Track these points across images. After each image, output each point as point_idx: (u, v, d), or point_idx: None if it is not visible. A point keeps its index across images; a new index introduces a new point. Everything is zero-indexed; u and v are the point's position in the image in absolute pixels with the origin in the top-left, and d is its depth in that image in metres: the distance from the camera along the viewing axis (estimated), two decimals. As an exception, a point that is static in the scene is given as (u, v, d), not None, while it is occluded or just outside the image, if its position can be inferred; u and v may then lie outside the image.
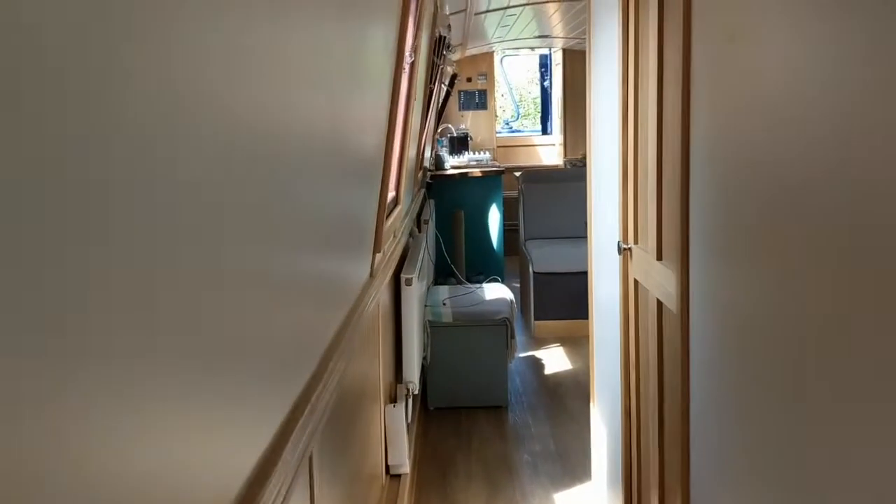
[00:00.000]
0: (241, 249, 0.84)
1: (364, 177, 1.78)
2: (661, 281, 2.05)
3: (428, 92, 3.71)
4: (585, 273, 5.57)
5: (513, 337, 4.14)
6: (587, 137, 3.34)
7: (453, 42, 6.48)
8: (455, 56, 7.56)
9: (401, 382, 3.43)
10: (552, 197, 5.96)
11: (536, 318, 5.48)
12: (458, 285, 4.79)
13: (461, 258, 7.15)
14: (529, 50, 15.00)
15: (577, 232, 5.91)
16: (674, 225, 1.91)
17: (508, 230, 7.88)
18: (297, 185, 1.09)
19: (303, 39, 1.03)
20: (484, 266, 7.39)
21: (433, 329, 4.10)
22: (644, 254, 2.28)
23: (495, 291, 4.60)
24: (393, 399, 3.23)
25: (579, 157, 6.29)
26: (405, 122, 2.59)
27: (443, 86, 6.82)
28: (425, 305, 4.24)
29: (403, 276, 3.46)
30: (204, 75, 0.68)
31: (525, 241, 5.92)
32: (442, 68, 4.71)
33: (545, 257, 5.46)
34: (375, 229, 1.99)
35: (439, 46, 3.90)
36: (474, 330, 4.14)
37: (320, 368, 1.41)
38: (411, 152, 3.31)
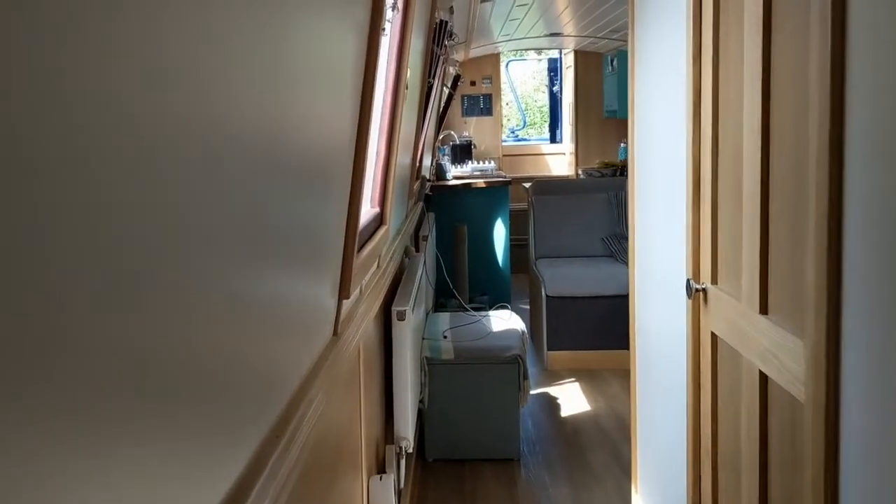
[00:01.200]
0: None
1: (318, 195, 1.16)
2: (767, 346, 1.41)
3: (426, 88, 3.10)
4: (605, 297, 4.94)
5: (525, 378, 3.49)
6: (630, 142, 2.72)
7: (456, 40, 5.87)
8: (458, 57, 6.94)
9: (391, 442, 2.78)
10: (566, 210, 5.33)
11: (550, 348, 4.84)
12: (461, 312, 4.15)
13: (464, 277, 6.51)
14: (536, 53, 14.44)
15: (595, 250, 5.27)
16: (794, 268, 1.27)
17: (515, 246, 7.24)
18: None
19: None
20: (488, 286, 6.74)
21: (431, 367, 3.46)
22: (730, 301, 1.64)
23: (504, 320, 3.95)
24: (380, 466, 2.58)
25: (596, 166, 5.65)
26: (391, 122, 1.97)
27: (444, 87, 6.21)
28: (422, 338, 3.60)
29: (395, 309, 2.82)
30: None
31: (536, 259, 5.28)
32: (444, 61, 4.09)
33: (559, 278, 4.82)
34: (342, 268, 1.36)
35: (439, 33, 3.30)
36: (480, 369, 3.49)
37: (274, 433, 0.95)
38: (402, 159, 2.69)
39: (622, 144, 7.71)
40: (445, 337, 3.64)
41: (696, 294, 1.84)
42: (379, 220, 2.00)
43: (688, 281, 1.88)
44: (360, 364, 2.06)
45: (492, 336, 3.68)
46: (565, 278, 4.82)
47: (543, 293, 4.81)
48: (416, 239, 4.70)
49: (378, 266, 2.07)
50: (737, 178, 1.61)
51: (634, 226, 2.72)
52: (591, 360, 4.81)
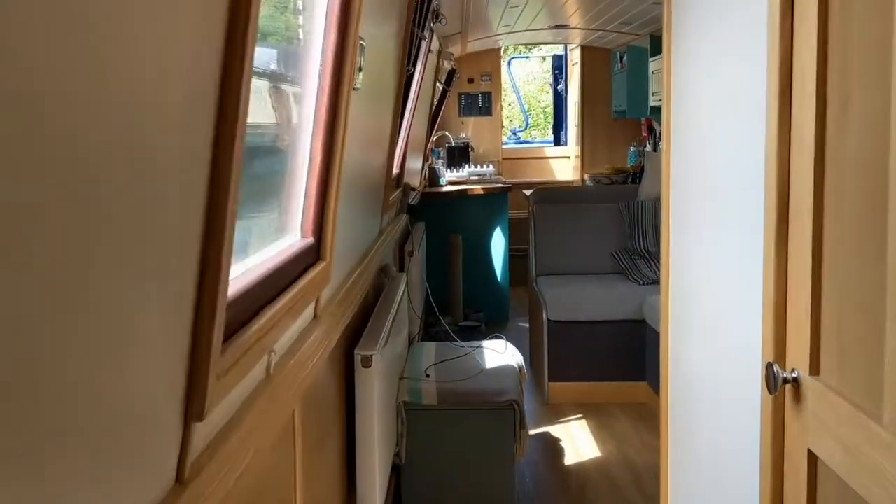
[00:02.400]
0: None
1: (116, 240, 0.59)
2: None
3: (404, 76, 2.53)
4: (615, 322, 4.35)
5: (523, 426, 2.91)
6: (665, 146, 2.16)
7: (450, 31, 5.30)
8: (454, 51, 6.37)
9: (348, 525, 2.21)
10: (571, 222, 4.76)
11: (551, 379, 4.26)
12: (448, 343, 3.57)
13: (457, 293, 5.94)
14: (538, 49, 13.85)
15: (603, 266, 4.69)
16: None
17: (515, 256, 6.68)
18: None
19: None
20: (485, 302, 6.18)
21: (410, 414, 2.88)
22: (851, 410, 1.03)
23: (498, 354, 3.38)
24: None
25: (605, 171, 5.08)
26: (331, 116, 1.39)
27: (438, 83, 5.64)
28: (400, 378, 3.02)
29: (359, 354, 2.25)
30: None
31: (536, 276, 4.71)
32: (429, 46, 3.52)
33: (562, 300, 4.25)
34: (190, 371, 0.78)
35: (422, 13, 2.74)
36: (468, 416, 2.91)
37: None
38: (369, 162, 2.13)
39: (632, 147, 7.14)
40: (428, 376, 3.06)
41: (783, 387, 1.23)
42: (314, 255, 1.43)
43: (769, 366, 1.26)
44: (297, 421, 1.49)
45: (484, 375, 3.10)
46: (570, 299, 4.25)
47: (544, 316, 4.24)
48: (401, 255, 4.14)
49: (315, 315, 1.49)
50: (871, 202, 1.03)
51: (669, 245, 2.17)
52: (598, 392, 4.24)
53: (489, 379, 3.06)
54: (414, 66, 2.57)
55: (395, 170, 3.20)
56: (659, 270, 4.64)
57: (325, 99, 1.38)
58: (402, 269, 3.96)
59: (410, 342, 3.92)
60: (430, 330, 5.73)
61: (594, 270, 4.70)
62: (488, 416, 2.90)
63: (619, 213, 4.72)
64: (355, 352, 2.24)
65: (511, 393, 2.93)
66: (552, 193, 4.97)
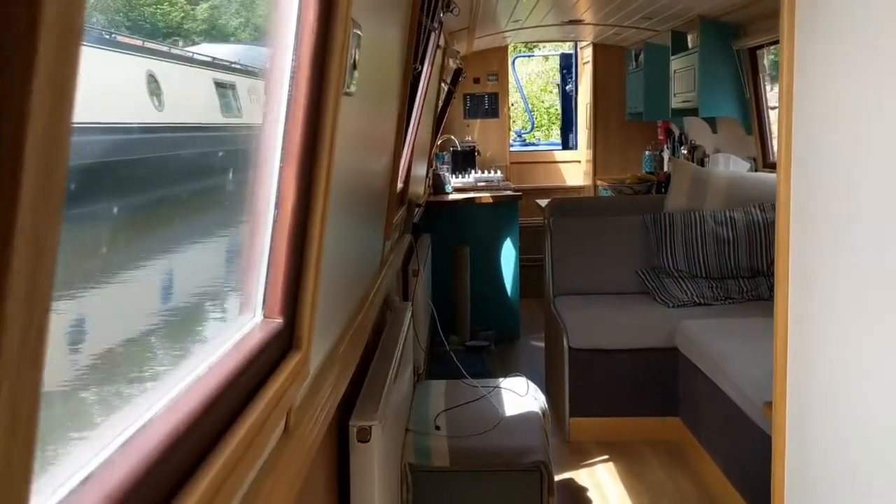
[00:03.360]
0: None
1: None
2: None
3: (409, 76, 2.08)
4: (644, 351, 3.87)
5: (551, 493, 2.46)
6: (783, 160, 1.69)
7: (457, 26, 4.84)
8: (460, 48, 5.92)
9: None
10: (592, 236, 4.31)
11: (573, 414, 3.81)
12: (460, 381, 3.12)
13: (465, 309, 5.49)
14: (544, 49, 13.40)
15: (628, 285, 4.24)
16: None
17: (526, 267, 6.23)
18: None
19: None
20: (494, 319, 5.73)
21: (417, 477, 2.43)
22: None
23: (518, 398, 2.92)
24: None
25: (628, 180, 4.63)
26: (313, 119, 0.94)
27: (443, 83, 5.19)
28: (405, 430, 2.57)
29: (356, 425, 1.80)
30: None
31: (554, 297, 4.26)
32: (437, 40, 3.06)
33: (586, 325, 3.79)
34: None
35: (431, 1, 2.29)
36: (487, 480, 2.46)
37: None
38: (373, 180, 1.69)
39: (647, 152, 6.69)
40: (438, 428, 2.61)
41: None
42: (286, 342, 0.99)
43: None
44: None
45: (504, 426, 2.64)
46: (593, 325, 3.80)
47: (565, 343, 3.78)
48: (405, 277, 3.69)
49: (286, 429, 1.04)
50: None
51: (787, 260, 1.71)
52: (625, 429, 3.79)
53: (510, 432, 2.60)
54: (422, 63, 2.12)
55: (400, 185, 2.76)
56: (690, 291, 4.20)
57: (299, 112, 0.94)
58: (406, 297, 3.51)
59: (417, 378, 3.47)
60: (435, 350, 5.28)
61: (618, 290, 4.25)
62: (511, 481, 2.45)
63: (645, 227, 4.26)
64: (350, 423, 1.79)
65: (537, 452, 2.48)
66: (569, 205, 4.52)
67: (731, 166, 4.68)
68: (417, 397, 2.94)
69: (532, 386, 3.02)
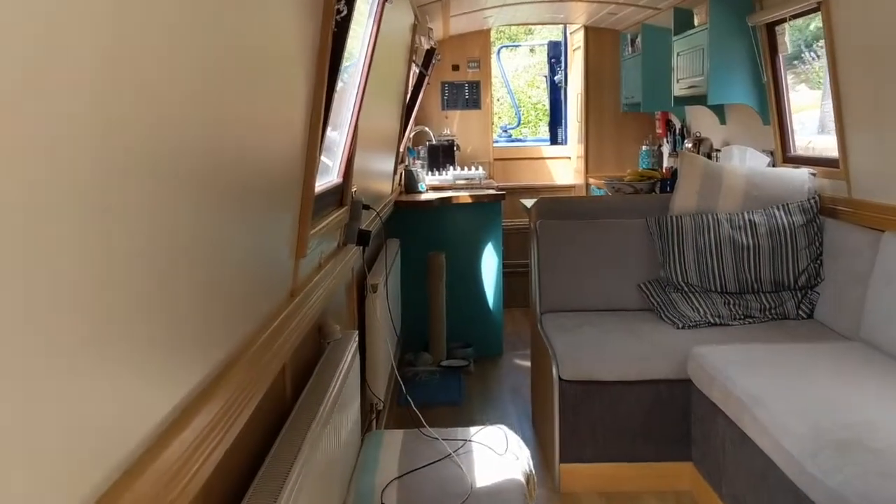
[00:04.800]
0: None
1: None
2: None
3: (330, 23, 1.42)
4: (650, 383, 3.15)
5: None
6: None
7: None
8: (435, 27, 5.25)
9: None
10: (586, 242, 3.66)
11: (564, 459, 3.15)
12: (420, 430, 2.44)
13: (440, 323, 4.83)
14: (529, 38, 12.72)
15: (628, 301, 3.59)
16: None
17: (509, 274, 5.58)
18: None
19: None
20: (474, 333, 5.07)
21: (352, 581, 1.76)
22: None
23: (495, 457, 2.26)
24: None
25: (628, 177, 3.97)
26: None
27: (413, 64, 4.52)
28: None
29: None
30: None
31: (542, 315, 3.60)
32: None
33: (578, 352, 3.14)
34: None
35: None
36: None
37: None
38: (271, 167, 1.06)
39: (644, 147, 6.05)
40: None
41: None
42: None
43: None
44: None
45: (475, 501, 1.98)
46: (588, 351, 3.14)
47: (554, 374, 3.13)
48: (360, 296, 3.03)
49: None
50: None
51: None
52: (626, 477, 3.14)
53: (482, 512, 1.94)
54: (349, 5, 1.47)
55: (336, 180, 2.09)
56: (703, 308, 3.52)
57: None
58: (361, 317, 2.84)
59: (371, 422, 2.81)
60: (404, 372, 4.62)
61: (616, 306, 3.60)
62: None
63: (648, 233, 3.62)
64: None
65: (517, 544, 1.82)
66: (559, 205, 3.86)
67: (748, 160, 4.04)
68: (364, 456, 2.27)
69: (513, 438, 2.35)
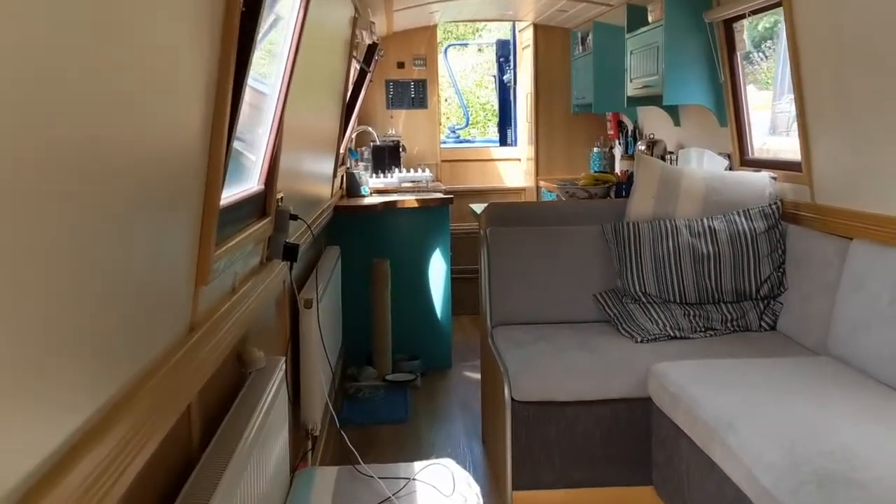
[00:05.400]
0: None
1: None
2: None
3: (236, 14, 1.17)
4: (608, 402, 2.86)
5: None
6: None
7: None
8: (378, 21, 4.98)
9: None
10: (539, 250, 3.44)
11: (517, 486, 2.92)
12: (356, 468, 2.18)
13: (384, 334, 4.56)
14: (478, 36, 12.53)
15: (584, 313, 3.38)
16: None
17: (458, 280, 5.35)
18: None
19: None
20: (421, 344, 4.82)
21: None
22: None
23: (440, 498, 2.00)
24: None
25: (582, 181, 3.74)
26: None
27: (354, 60, 4.25)
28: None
29: None
30: None
31: (493, 328, 3.37)
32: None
33: (532, 370, 2.91)
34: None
35: None
36: None
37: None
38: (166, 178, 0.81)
39: (595, 149, 5.88)
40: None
41: None
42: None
43: None
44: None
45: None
46: (542, 369, 2.91)
47: (506, 394, 2.89)
48: (293, 311, 2.75)
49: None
50: None
51: None
52: (584, 503, 2.91)
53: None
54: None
55: (257, 187, 1.81)
56: (662, 320, 3.32)
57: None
58: (295, 336, 2.55)
59: (301, 458, 2.53)
60: (346, 388, 4.35)
61: (571, 318, 3.38)
62: None
63: (604, 240, 3.41)
64: None
65: None
66: (511, 211, 3.63)
67: (706, 164, 3.88)
68: (293, 499, 1.99)
69: (460, 476, 2.10)
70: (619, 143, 5.71)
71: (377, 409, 4.10)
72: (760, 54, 4.49)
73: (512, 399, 2.87)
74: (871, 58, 2.65)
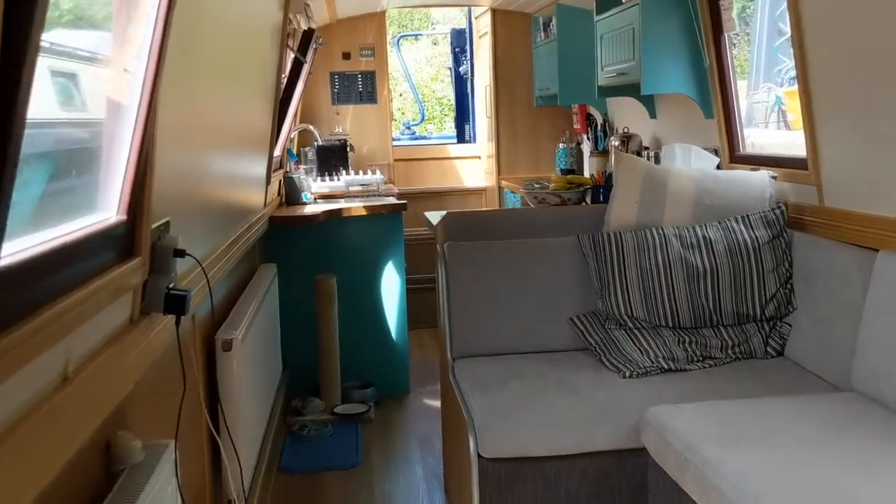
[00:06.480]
0: None
1: None
2: None
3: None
4: (593, 455, 2.04)
5: None
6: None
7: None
8: (319, 9, 4.42)
9: None
10: (505, 267, 2.93)
11: (487, 560, 2.39)
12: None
13: (332, 363, 4.02)
14: (432, 28, 11.99)
15: (558, 339, 2.86)
16: None
17: (413, 291, 4.82)
18: None
19: None
20: (375, 369, 4.28)
21: None
22: None
23: None
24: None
25: (553, 185, 3.22)
26: None
27: (290, 51, 3.69)
28: None
29: None
30: None
31: (454, 361, 2.85)
32: None
33: (500, 418, 2.39)
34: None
35: None
36: None
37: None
38: None
39: (561, 144, 5.40)
40: None
41: None
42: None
43: None
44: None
45: None
46: (515, 419, 2.40)
47: (472, 449, 2.37)
48: (210, 352, 2.19)
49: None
50: None
51: None
52: (568, 577, 2.41)
53: None
54: None
55: (117, 217, 1.26)
56: (654, 349, 2.80)
57: None
58: (213, 383, 1.99)
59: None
60: (290, 423, 3.80)
61: (545, 346, 2.88)
62: None
63: (579, 253, 2.92)
64: None
65: None
66: (471, 221, 3.11)
67: (693, 161, 3.40)
68: None
69: None
70: (588, 138, 5.24)
71: (324, 452, 3.56)
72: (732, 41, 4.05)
73: (479, 455, 2.36)
74: (892, 32, 2.19)
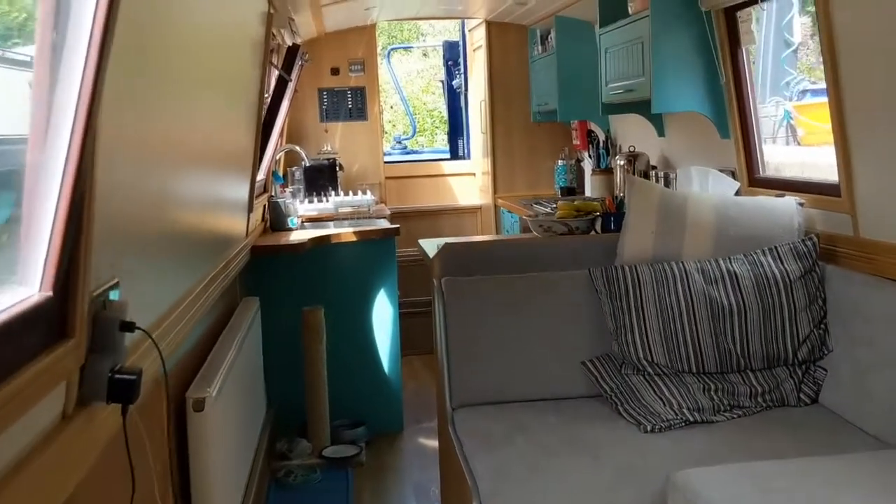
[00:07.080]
0: None
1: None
2: None
3: None
4: None
5: None
6: None
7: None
8: (305, 23, 4.16)
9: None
10: (509, 305, 2.66)
11: None
12: None
13: (320, 401, 3.74)
14: (422, 39, 11.77)
15: (570, 387, 2.58)
16: None
17: (407, 315, 4.55)
18: None
19: None
20: (367, 406, 4.01)
21: None
22: None
23: None
24: None
25: (559, 212, 2.95)
26: None
27: (273, 68, 3.43)
28: None
29: None
30: None
31: (454, 411, 2.57)
32: None
33: (508, 485, 2.12)
34: None
35: None
36: None
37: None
38: None
39: (560, 162, 5.16)
40: None
41: None
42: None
43: None
44: None
45: None
46: (525, 486, 2.12)
47: (477, 518, 2.09)
48: (180, 415, 1.91)
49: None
50: None
51: None
52: None
53: None
54: None
55: (41, 293, 0.98)
56: (677, 399, 2.50)
57: None
58: (182, 446, 1.71)
59: None
60: (274, 469, 3.52)
61: (553, 393, 2.61)
62: None
63: (591, 289, 2.65)
64: None
65: None
66: (470, 254, 2.85)
67: (711, 185, 3.15)
68: None
69: None
70: (590, 156, 4.99)
71: (312, 502, 3.28)
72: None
73: (485, 528, 2.08)
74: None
